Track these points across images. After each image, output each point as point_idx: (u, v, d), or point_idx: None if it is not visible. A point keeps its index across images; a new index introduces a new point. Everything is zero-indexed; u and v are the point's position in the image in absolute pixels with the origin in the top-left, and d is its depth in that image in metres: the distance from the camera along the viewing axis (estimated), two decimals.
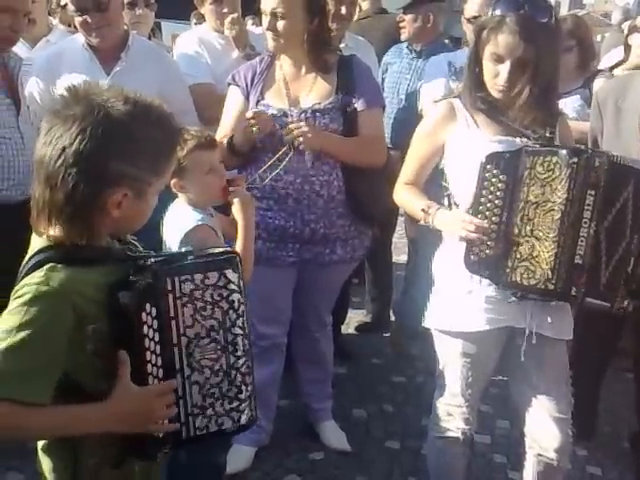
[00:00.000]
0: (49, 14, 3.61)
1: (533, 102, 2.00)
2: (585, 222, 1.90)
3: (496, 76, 2.02)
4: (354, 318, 4.03)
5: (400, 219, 3.98)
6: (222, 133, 2.58)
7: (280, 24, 2.46)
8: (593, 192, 1.90)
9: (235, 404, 1.43)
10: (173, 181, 2.11)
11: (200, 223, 2.05)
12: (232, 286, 1.41)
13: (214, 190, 2.10)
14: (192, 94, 2.95)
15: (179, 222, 2.08)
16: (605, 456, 2.96)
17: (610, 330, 2.80)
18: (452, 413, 2.21)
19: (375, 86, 2.73)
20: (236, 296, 1.42)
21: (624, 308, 2.00)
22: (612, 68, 3.68)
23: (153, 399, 1.31)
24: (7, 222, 2.18)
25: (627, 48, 3.82)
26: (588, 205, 1.90)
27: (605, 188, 1.90)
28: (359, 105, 2.54)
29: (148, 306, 1.31)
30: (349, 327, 3.96)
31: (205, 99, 2.96)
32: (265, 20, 2.49)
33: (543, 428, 2.12)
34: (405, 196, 2.23)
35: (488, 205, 1.99)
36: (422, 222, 2.13)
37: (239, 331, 1.43)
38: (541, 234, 1.93)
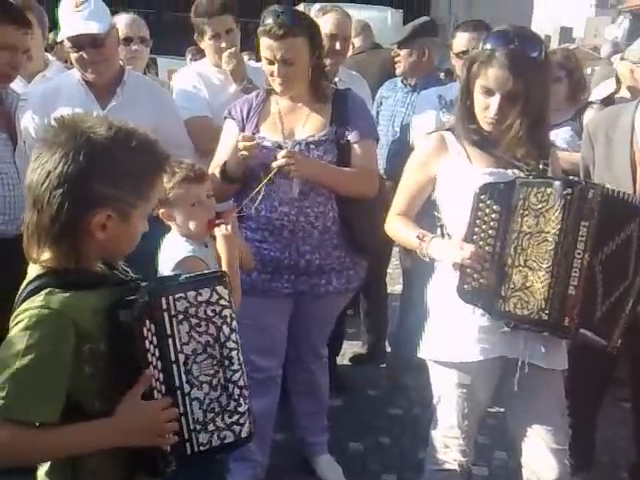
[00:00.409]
0: (46, 50, 3.65)
1: (523, 135, 2.02)
2: (579, 253, 1.91)
3: (486, 109, 2.04)
4: (349, 349, 4.02)
5: (395, 249, 3.99)
6: (216, 164, 2.60)
7: (290, 70, 2.48)
8: (587, 223, 1.91)
9: (235, 417, 1.46)
10: (161, 211, 2.16)
11: (189, 255, 2.10)
12: (223, 302, 1.45)
13: (199, 223, 2.13)
14: (188, 127, 2.98)
15: (171, 252, 2.13)
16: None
17: (606, 359, 2.80)
18: (449, 445, 2.19)
19: (369, 119, 2.75)
20: (228, 311, 1.46)
21: (617, 347, 2.02)
22: (604, 99, 3.74)
23: (160, 412, 1.35)
24: (3, 256, 2.19)
25: (619, 80, 3.89)
26: (582, 236, 1.91)
27: (599, 220, 1.91)
28: (352, 137, 2.55)
29: (147, 322, 1.35)
30: (344, 358, 3.94)
31: (201, 132, 2.99)
32: (272, 67, 2.49)
33: (540, 459, 2.10)
34: (398, 227, 2.24)
35: (482, 235, 2.00)
36: (417, 251, 2.13)
37: (233, 345, 1.47)
38: (535, 264, 1.94)
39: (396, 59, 3.82)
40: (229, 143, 2.61)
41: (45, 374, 1.27)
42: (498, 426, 3.07)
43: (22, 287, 1.37)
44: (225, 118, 2.67)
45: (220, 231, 2.09)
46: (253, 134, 2.55)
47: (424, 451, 2.33)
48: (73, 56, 2.70)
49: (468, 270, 2.00)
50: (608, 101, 3.64)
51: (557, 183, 1.94)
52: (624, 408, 3.22)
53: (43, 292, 1.31)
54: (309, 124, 2.56)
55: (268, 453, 2.78)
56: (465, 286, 2.02)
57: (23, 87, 3.07)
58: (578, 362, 2.34)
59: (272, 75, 2.51)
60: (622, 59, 3.80)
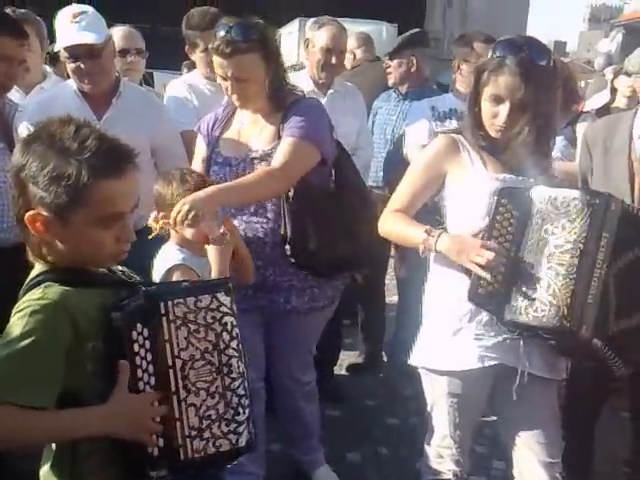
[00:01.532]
0: (45, 63, 3.66)
1: (532, 142, 2.02)
2: (599, 263, 1.90)
3: (495, 116, 2.04)
4: (346, 359, 4.00)
5: (391, 260, 4.00)
6: None
7: (244, 86, 2.39)
8: (607, 235, 1.90)
9: (233, 426, 1.44)
10: (162, 214, 2.12)
11: (178, 263, 2.09)
12: (224, 309, 1.44)
13: (197, 233, 2.12)
14: None
15: (163, 260, 2.13)
16: None
17: (605, 369, 2.79)
18: (442, 455, 2.18)
19: (306, 121, 2.41)
20: (229, 319, 1.45)
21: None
22: (599, 110, 3.78)
23: (145, 406, 1.36)
24: (2, 265, 2.19)
25: (614, 91, 3.94)
26: (602, 247, 1.90)
27: (616, 233, 1.91)
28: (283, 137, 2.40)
29: (139, 326, 1.35)
30: (341, 368, 3.93)
31: (190, 145, 3.01)
32: (227, 84, 2.40)
33: (532, 472, 2.09)
34: (395, 223, 2.14)
35: (499, 239, 1.97)
36: (420, 247, 2.04)
37: (234, 353, 1.45)
38: (557, 272, 1.91)
39: (387, 70, 3.88)
40: (198, 160, 2.58)
41: (39, 359, 1.29)
42: (496, 435, 3.05)
43: (25, 283, 1.40)
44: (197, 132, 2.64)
45: (214, 243, 2.08)
46: (213, 149, 2.52)
47: (422, 461, 2.31)
48: (70, 66, 2.71)
49: (484, 272, 1.95)
50: (603, 111, 3.68)
51: (579, 192, 1.94)
52: (623, 417, 3.20)
53: (42, 285, 1.35)
54: (262, 137, 2.48)
55: (264, 465, 2.75)
56: (479, 289, 1.97)
57: (21, 98, 3.09)
58: (577, 371, 2.33)
59: (227, 91, 2.45)
60: (619, 70, 3.84)
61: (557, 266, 1.91)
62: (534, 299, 1.92)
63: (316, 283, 2.55)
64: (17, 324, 1.31)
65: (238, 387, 1.45)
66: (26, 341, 1.28)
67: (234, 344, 1.45)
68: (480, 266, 1.93)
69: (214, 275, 2.03)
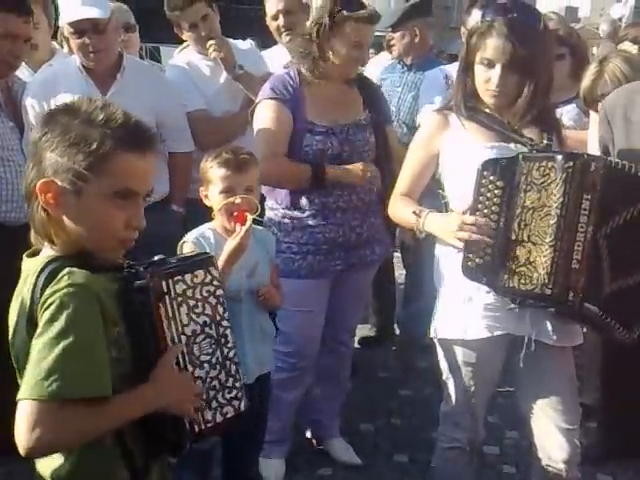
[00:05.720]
0: (56, 40, 3.61)
1: (528, 107, 2.01)
2: (582, 226, 1.90)
3: (487, 81, 2.04)
4: (358, 333, 3.99)
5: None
6: (275, 149, 2.52)
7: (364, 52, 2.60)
8: (589, 196, 1.89)
9: (234, 392, 1.51)
10: (201, 188, 2.18)
11: (190, 239, 2.10)
12: (216, 282, 1.47)
13: (223, 210, 2.10)
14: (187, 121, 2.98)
15: (190, 234, 2.15)
16: (616, 464, 2.91)
17: (607, 335, 2.76)
18: (458, 423, 2.19)
19: (387, 102, 2.98)
20: (220, 291, 1.49)
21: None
22: None
23: (189, 381, 1.41)
24: (10, 243, 2.20)
25: None
26: (584, 210, 1.90)
27: (603, 193, 1.90)
28: (385, 121, 2.74)
29: (161, 305, 1.37)
30: (354, 341, 3.94)
31: (200, 126, 3.01)
32: (360, 53, 2.56)
33: (550, 439, 2.10)
34: (396, 208, 2.23)
35: (485, 211, 1.99)
36: (414, 228, 2.12)
37: (227, 323, 1.50)
38: (538, 239, 1.93)
39: (391, 42, 3.84)
40: (285, 127, 2.52)
41: (90, 348, 1.27)
42: (509, 406, 3.06)
43: (33, 278, 1.32)
44: (267, 99, 2.55)
45: (238, 234, 2.02)
46: (304, 120, 2.53)
47: (435, 431, 2.33)
48: (75, 42, 2.69)
49: (472, 247, 1.99)
50: None
51: (559, 157, 1.93)
52: None
53: (63, 272, 1.29)
54: (350, 108, 2.61)
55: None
56: (469, 263, 2.00)
57: (29, 76, 3.07)
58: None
59: (358, 60, 2.60)
60: (623, 36, 3.76)
61: (538, 234, 1.93)
62: (520, 269, 1.94)
63: (387, 232, 2.78)
64: (57, 317, 1.25)
65: (234, 355, 1.51)
66: (73, 332, 1.25)
67: (226, 315, 1.50)
68: (466, 241, 1.98)
69: (221, 264, 1.92)
